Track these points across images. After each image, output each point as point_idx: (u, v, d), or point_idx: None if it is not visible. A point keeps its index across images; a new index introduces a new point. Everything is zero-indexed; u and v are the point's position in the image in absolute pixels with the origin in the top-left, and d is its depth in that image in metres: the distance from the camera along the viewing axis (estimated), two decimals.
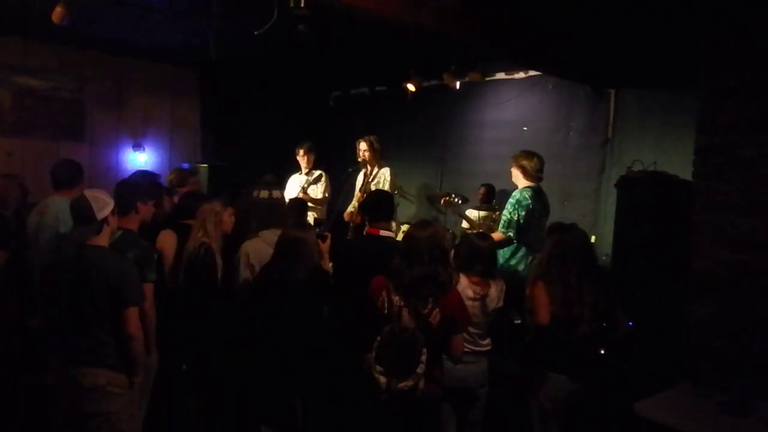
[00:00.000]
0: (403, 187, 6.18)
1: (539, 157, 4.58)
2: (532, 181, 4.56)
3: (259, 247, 3.69)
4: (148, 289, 3.15)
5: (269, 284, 3.25)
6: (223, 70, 7.19)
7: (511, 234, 4.47)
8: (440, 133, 7.30)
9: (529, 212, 4.47)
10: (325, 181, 6.05)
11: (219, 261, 3.66)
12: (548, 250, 3.28)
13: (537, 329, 3.17)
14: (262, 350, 3.18)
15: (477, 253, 3.49)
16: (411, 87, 6.72)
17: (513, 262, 4.55)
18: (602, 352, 3.17)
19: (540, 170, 4.57)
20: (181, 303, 3.61)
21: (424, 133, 7.44)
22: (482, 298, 3.41)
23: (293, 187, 6.01)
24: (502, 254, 4.56)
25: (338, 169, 6.16)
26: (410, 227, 3.18)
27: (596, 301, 3.13)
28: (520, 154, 4.60)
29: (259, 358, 3.16)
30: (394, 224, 5.40)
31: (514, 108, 6.66)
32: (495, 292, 3.46)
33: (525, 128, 6.56)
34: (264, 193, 3.97)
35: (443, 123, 7.26)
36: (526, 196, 4.49)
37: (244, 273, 3.63)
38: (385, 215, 3.68)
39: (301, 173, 6.13)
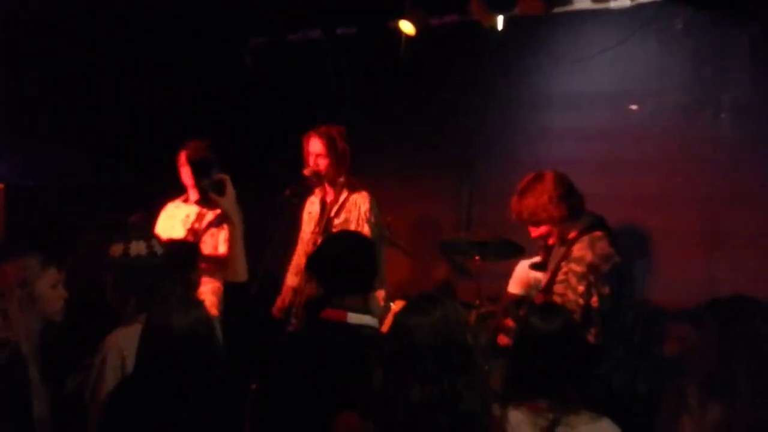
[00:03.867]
0: (392, 228, 6.27)
1: (549, 171, 4.87)
2: (583, 213, 4.78)
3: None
4: None
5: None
6: (32, 10, 7.12)
7: (590, 337, 4.53)
8: (464, 119, 7.34)
9: (617, 280, 4.57)
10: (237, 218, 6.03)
11: (35, 375, 3.69)
12: (707, 354, 3.36)
13: None
14: None
15: (537, 348, 3.49)
16: (407, 28, 6.81)
17: (601, 371, 4.61)
18: None
19: (573, 185, 4.86)
20: None
21: (432, 120, 7.49)
22: None
23: (168, 228, 6.03)
24: None
25: (262, 193, 6.11)
26: (401, 309, 3.27)
27: None
28: (528, 195, 4.87)
29: None
30: (379, 296, 5.52)
31: (609, 68, 6.70)
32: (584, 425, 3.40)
33: (633, 107, 6.60)
34: (138, 248, 4.04)
35: (470, 99, 7.31)
36: (606, 252, 4.57)
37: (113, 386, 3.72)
38: (357, 282, 3.78)
39: (186, 200, 6.17)
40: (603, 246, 4.59)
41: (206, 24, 7.99)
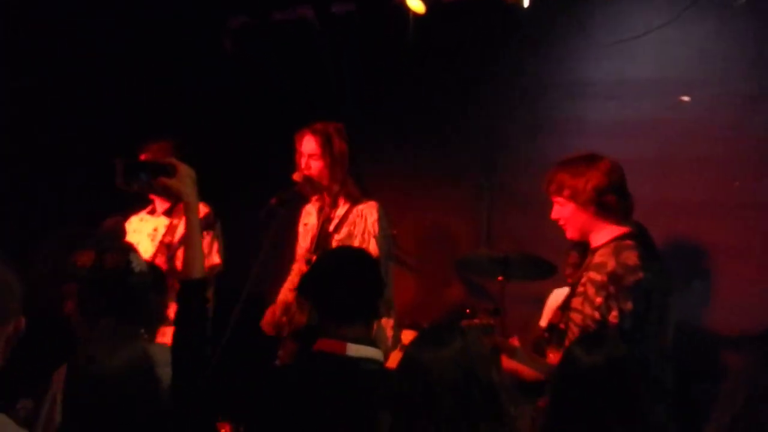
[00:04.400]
0: (398, 242, 6.30)
1: (609, 160, 4.76)
2: (619, 220, 4.72)
3: None
4: None
5: None
6: None
7: None
8: (484, 111, 7.34)
9: (642, 299, 4.49)
10: (215, 232, 6.13)
11: None
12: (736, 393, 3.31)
13: None
14: None
15: (580, 385, 3.50)
16: (415, 4, 6.80)
17: None
18: None
19: (626, 187, 4.77)
20: None
21: (446, 113, 7.49)
22: None
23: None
24: None
25: (247, 201, 6.10)
26: (413, 342, 3.33)
27: None
28: (567, 167, 4.83)
29: None
30: (386, 325, 5.57)
31: (656, 51, 6.68)
32: None
33: (685, 97, 6.56)
34: (115, 259, 4.02)
35: (491, 88, 7.31)
36: (630, 263, 4.53)
37: None
38: (359, 307, 3.77)
39: (153, 211, 6.26)
40: (630, 256, 4.52)
41: (180, 3, 8.02)
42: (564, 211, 4.75)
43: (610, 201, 4.64)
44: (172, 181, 3.87)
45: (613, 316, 4.44)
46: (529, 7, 6.56)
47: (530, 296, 6.16)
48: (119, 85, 7.79)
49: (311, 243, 5.82)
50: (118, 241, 4.34)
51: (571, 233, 4.80)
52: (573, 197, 4.68)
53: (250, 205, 5.88)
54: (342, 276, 3.78)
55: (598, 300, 4.48)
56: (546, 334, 5.20)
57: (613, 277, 4.48)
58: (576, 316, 4.58)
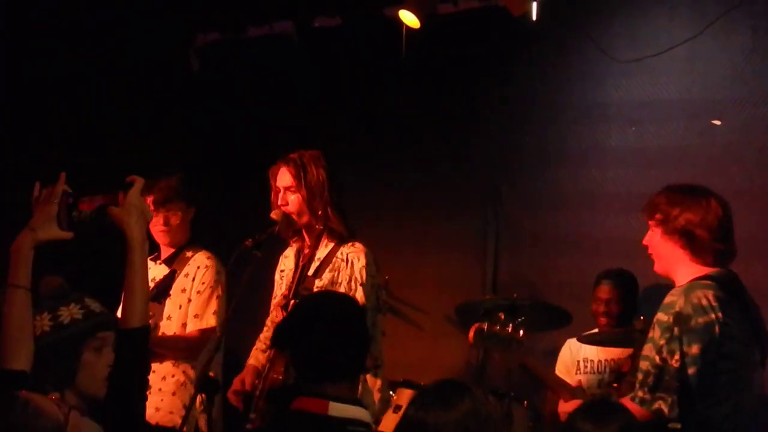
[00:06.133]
0: (390, 289, 6.25)
1: (718, 199, 4.69)
2: (708, 262, 4.66)
3: None
4: None
5: None
6: None
7: (663, 406, 4.44)
8: (488, 138, 7.35)
9: (713, 345, 4.43)
10: (215, 286, 6.03)
11: None
12: None
13: None
14: None
15: None
16: (409, 18, 6.80)
17: None
18: None
19: (727, 232, 4.66)
20: None
21: (444, 139, 7.49)
22: None
23: None
24: None
25: (222, 245, 6.07)
26: (414, 402, 3.30)
27: None
28: (668, 193, 4.80)
29: None
30: (373, 385, 5.42)
31: (682, 69, 6.70)
32: None
33: (715, 121, 6.56)
34: (71, 311, 3.94)
35: (495, 111, 7.31)
36: (702, 303, 4.46)
37: None
38: (342, 361, 3.71)
39: (156, 259, 6.16)
40: (704, 295, 4.46)
41: (141, 18, 7.99)
42: (653, 238, 4.73)
43: (701, 237, 4.58)
44: (116, 209, 3.76)
45: (675, 360, 4.40)
46: (539, 22, 6.57)
47: (543, 349, 6.15)
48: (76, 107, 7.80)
49: (288, 290, 5.69)
50: (69, 293, 4.16)
51: (657, 265, 4.76)
52: (662, 222, 4.65)
53: (220, 247, 5.88)
54: (324, 326, 3.70)
55: (661, 342, 4.44)
56: (615, 384, 5.25)
57: (679, 317, 4.44)
58: (643, 363, 4.52)
